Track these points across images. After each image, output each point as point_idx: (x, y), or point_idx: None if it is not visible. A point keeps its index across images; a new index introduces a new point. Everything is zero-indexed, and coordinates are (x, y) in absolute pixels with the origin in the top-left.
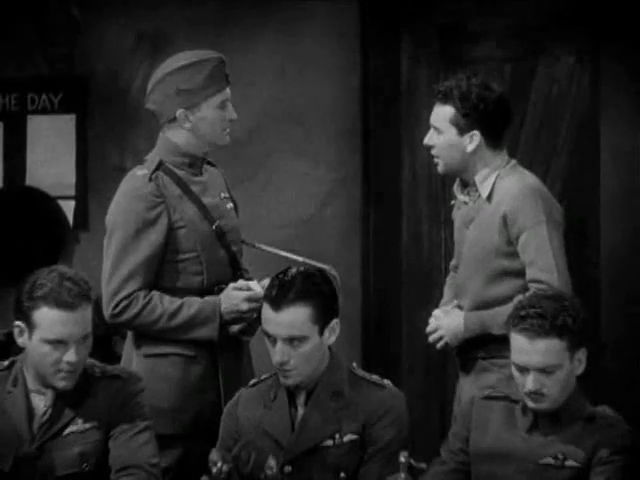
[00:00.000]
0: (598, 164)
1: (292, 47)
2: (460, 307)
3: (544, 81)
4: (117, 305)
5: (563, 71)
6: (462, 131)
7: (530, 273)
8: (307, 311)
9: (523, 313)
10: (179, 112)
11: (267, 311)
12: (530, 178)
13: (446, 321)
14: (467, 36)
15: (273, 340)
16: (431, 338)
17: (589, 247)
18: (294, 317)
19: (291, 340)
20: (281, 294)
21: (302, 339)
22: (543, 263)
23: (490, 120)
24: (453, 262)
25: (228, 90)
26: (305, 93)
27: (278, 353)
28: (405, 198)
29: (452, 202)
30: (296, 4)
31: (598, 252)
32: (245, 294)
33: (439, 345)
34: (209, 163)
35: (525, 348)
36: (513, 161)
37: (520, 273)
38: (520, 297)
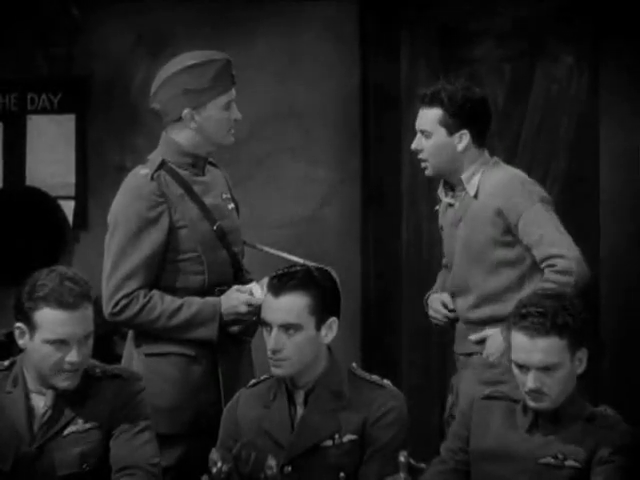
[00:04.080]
0: (598, 164)
1: (292, 47)
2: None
3: (544, 81)
4: (117, 304)
5: (562, 71)
6: (451, 131)
7: (539, 252)
8: (305, 300)
9: (524, 311)
10: (185, 112)
11: (267, 299)
12: (512, 169)
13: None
14: (467, 36)
15: (270, 329)
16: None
17: (589, 247)
18: (291, 304)
19: (286, 328)
20: (282, 282)
21: (297, 327)
22: (549, 238)
23: (476, 119)
24: (444, 261)
25: (233, 91)
26: (305, 93)
27: (272, 340)
28: (405, 198)
29: (436, 207)
30: (296, 4)
31: (598, 252)
32: (245, 297)
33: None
34: (211, 164)
35: (526, 346)
36: (495, 158)
37: (516, 263)
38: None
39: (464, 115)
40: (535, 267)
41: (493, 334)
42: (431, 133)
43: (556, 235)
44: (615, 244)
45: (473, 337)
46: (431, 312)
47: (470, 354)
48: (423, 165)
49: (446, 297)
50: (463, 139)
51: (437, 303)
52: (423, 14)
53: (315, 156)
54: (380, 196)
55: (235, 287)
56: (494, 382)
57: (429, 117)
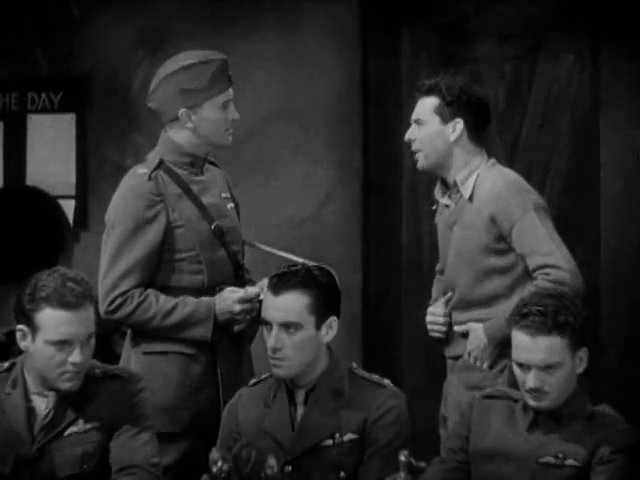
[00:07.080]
0: (598, 164)
1: (292, 47)
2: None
3: (544, 81)
4: (112, 302)
5: (563, 70)
6: (445, 120)
7: (533, 262)
8: (305, 299)
9: (525, 310)
10: (181, 112)
11: (267, 297)
12: (509, 173)
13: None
14: (467, 36)
15: (270, 327)
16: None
17: (589, 248)
18: (291, 302)
19: (287, 327)
20: (282, 281)
21: (297, 326)
22: (543, 248)
23: (472, 110)
24: (438, 266)
25: (231, 91)
26: (305, 93)
27: (272, 339)
28: (405, 197)
29: (433, 207)
30: (296, 4)
31: (598, 252)
32: (237, 296)
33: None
34: (211, 163)
35: (526, 345)
36: (492, 160)
37: (507, 270)
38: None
39: (460, 104)
40: (526, 276)
41: (475, 329)
42: (425, 121)
43: (551, 245)
44: (615, 244)
45: (457, 328)
46: (429, 327)
47: (457, 357)
48: (415, 157)
49: (438, 305)
50: (457, 128)
51: (430, 316)
52: (424, 12)
53: (315, 155)
54: (380, 195)
55: (230, 288)
56: (475, 387)
57: (425, 106)
